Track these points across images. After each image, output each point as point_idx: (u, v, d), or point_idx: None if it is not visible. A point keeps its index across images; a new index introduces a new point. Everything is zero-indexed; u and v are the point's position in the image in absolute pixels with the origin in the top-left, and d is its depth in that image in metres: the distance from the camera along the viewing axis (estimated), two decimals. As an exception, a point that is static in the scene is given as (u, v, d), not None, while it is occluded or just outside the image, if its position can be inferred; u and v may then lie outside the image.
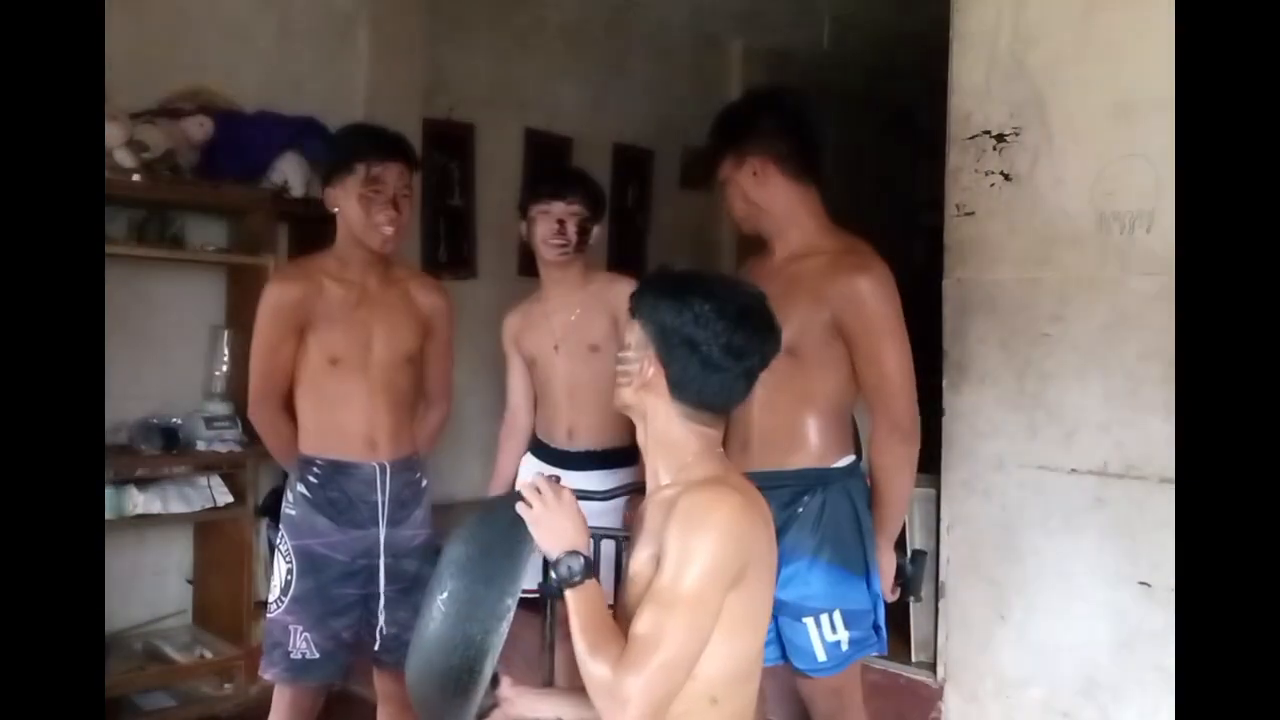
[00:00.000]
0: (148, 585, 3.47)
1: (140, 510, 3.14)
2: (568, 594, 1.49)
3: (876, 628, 2.10)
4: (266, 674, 2.39)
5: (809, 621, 2.03)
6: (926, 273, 2.90)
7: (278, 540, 2.39)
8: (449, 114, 4.42)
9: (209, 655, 3.34)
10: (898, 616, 2.53)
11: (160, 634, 3.42)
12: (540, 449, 2.74)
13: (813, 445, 2.07)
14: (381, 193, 2.29)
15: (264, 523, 3.24)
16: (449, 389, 2.61)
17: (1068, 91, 2.50)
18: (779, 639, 2.06)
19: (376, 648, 2.40)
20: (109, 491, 3.06)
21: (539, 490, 1.55)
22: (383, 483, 2.35)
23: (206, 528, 3.49)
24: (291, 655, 2.33)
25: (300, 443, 2.40)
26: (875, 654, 2.18)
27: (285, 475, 2.52)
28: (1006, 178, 2.60)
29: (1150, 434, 2.35)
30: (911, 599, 2.40)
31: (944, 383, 2.70)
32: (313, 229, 2.94)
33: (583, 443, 2.67)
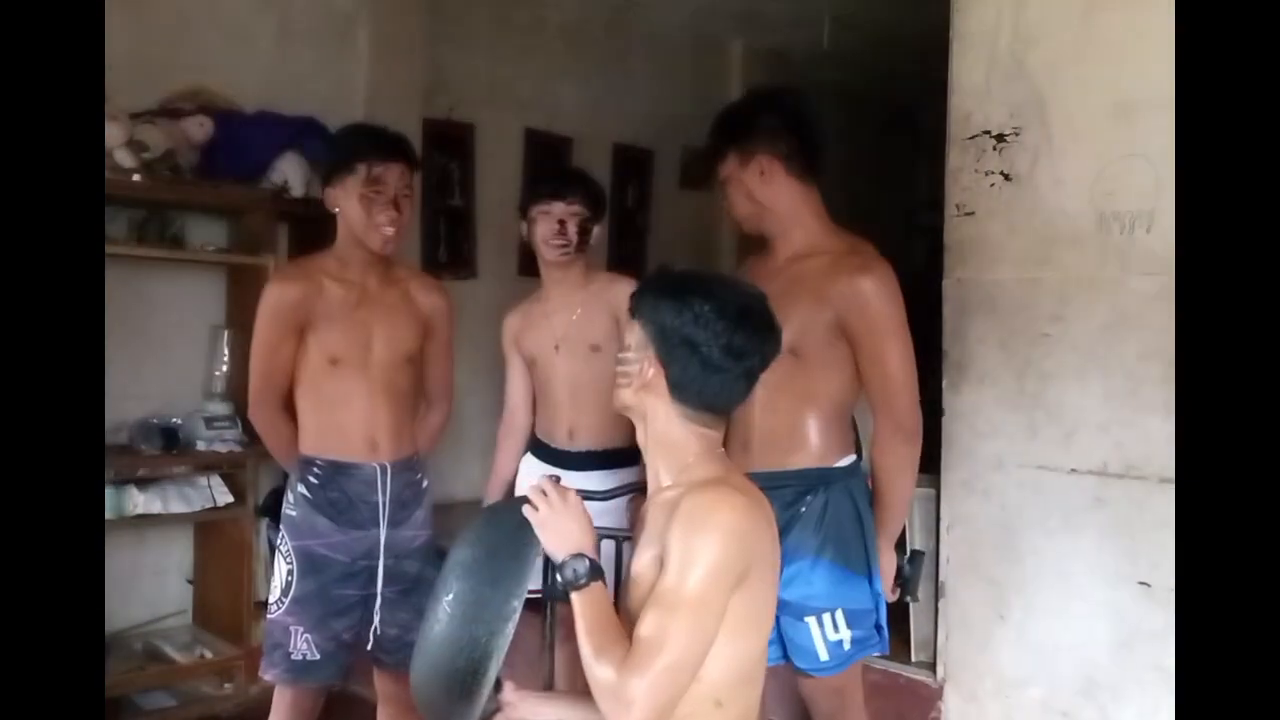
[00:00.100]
0: (148, 585, 3.47)
1: (140, 510, 3.14)
2: (574, 597, 1.48)
3: (879, 627, 2.10)
4: (267, 675, 2.39)
5: (811, 621, 2.03)
6: (926, 273, 2.90)
7: (278, 541, 2.39)
8: (449, 114, 4.42)
9: (209, 655, 3.33)
10: (897, 616, 2.53)
11: (160, 634, 3.42)
12: (541, 449, 2.73)
13: (814, 445, 2.08)
14: (382, 193, 2.29)
15: (264, 523, 3.24)
16: (450, 389, 2.60)
17: (1068, 91, 2.50)
18: (780, 639, 2.05)
19: (371, 648, 2.39)
20: (109, 491, 3.06)
21: (545, 493, 1.55)
22: (383, 483, 2.35)
23: (206, 528, 3.49)
24: (292, 656, 2.33)
25: (300, 443, 2.40)
26: (877, 653, 2.18)
27: (285, 475, 2.52)
28: (1006, 178, 2.60)
29: (1150, 434, 2.35)
30: (909, 599, 2.41)
31: (944, 383, 2.70)
32: (313, 229, 2.94)
33: (583, 443, 2.66)
